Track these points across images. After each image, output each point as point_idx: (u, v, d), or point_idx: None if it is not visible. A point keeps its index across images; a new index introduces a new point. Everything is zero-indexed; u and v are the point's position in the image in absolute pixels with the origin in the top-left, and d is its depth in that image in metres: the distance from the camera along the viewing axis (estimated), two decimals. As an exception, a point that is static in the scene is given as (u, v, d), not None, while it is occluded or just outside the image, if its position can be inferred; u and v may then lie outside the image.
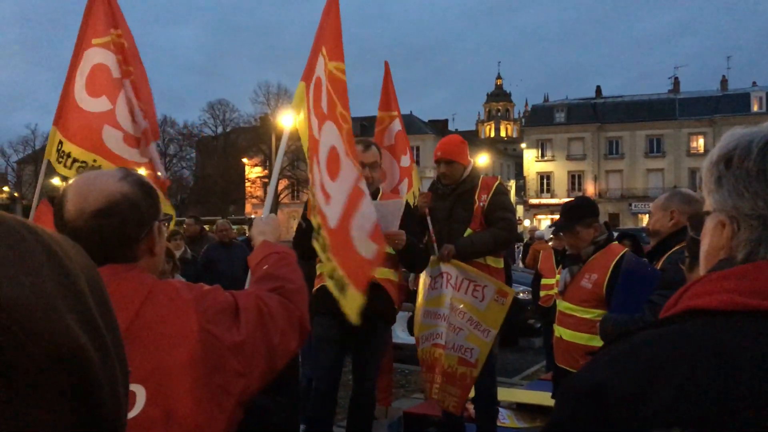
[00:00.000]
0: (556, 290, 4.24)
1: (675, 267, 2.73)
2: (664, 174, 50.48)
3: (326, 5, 3.25)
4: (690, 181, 46.58)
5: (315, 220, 2.76)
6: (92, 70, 4.24)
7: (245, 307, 1.39)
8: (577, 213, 3.72)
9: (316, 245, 2.76)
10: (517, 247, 13.94)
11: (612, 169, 52.12)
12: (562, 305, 3.76)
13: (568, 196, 40.30)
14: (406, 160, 5.10)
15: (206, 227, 10.00)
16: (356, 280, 2.86)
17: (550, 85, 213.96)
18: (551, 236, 7.90)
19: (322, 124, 3.01)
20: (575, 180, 52.73)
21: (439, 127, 60.84)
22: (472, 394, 4.26)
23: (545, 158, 53.90)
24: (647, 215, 3.69)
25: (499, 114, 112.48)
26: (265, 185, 49.05)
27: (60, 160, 4.17)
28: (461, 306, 4.06)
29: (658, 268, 3.10)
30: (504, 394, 5.30)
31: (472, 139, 72.39)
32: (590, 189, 49.62)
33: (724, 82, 53.73)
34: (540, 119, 55.03)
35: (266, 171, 48.43)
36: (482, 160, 43.46)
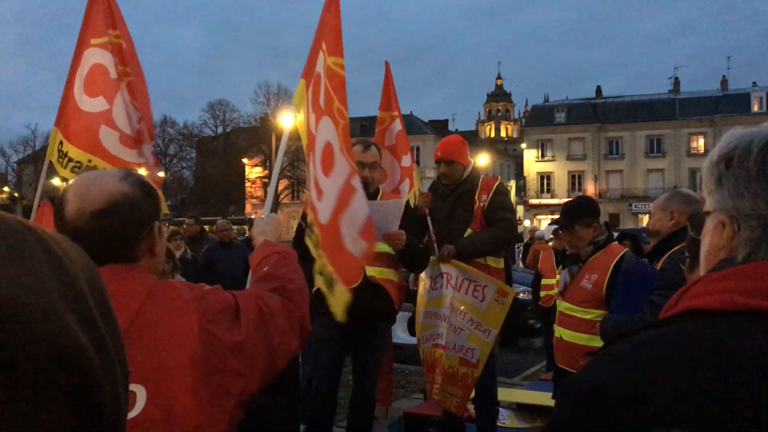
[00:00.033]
0: (556, 290, 4.24)
1: (675, 267, 2.73)
2: (665, 174, 50.49)
3: (326, 1, 3.25)
4: (690, 181, 46.58)
5: (309, 217, 2.77)
6: (90, 70, 4.25)
7: (246, 307, 1.39)
8: (576, 212, 3.73)
9: (308, 242, 2.77)
10: (517, 248, 13.93)
11: (612, 170, 52.12)
12: (562, 306, 3.76)
13: (568, 197, 40.26)
14: (406, 160, 5.10)
15: (206, 227, 10.00)
16: (345, 276, 2.87)
17: (551, 85, 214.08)
18: (551, 236, 7.90)
19: (319, 120, 3.02)
20: (575, 180, 52.73)
21: (440, 127, 60.83)
22: (472, 394, 4.27)
23: (545, 158, 53.91)
24: (647, 215, 3.69)
25: (500, 114, 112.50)
26: (265, 185, 49.07)
27: (60, 160, 4.18)
28: (462, 306, 4.06)
29: (658, 268, 3.10)
30: (504, 394, 5.30)
31: (473, 139, 72.42)
32: (590, 189, 49.61)
33: (724, 82, 53.74)
34: (540, 119, 55.03)
35: (266, 171, 48.44)
36: (482, 160, 43.45)
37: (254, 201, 50.98)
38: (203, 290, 1.38)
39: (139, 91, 4.38)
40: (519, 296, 8.30)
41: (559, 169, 53.16)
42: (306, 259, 3.65)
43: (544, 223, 43.39)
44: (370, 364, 3.90)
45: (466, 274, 4.07)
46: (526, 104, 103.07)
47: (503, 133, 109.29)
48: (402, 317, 6.95)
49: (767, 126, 0.89)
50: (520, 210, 47.99)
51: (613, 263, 3.53)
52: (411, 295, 4.77)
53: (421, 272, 4.18)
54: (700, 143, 49.47)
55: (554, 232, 7.39)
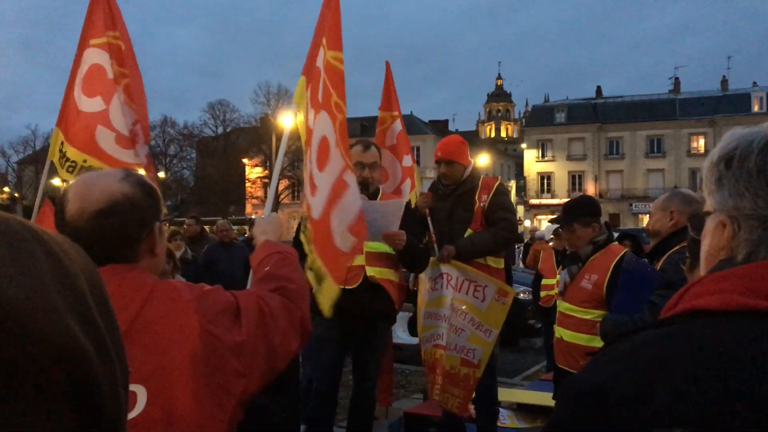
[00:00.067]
0: (556, 290, 4.24)
1: (675, 267, 2.73)
2: (665, 174, 50.49)
3: None
4: (690, 181, 46.57)
5: (303, 212, 2.78)
6: (89, 70, 4.26)
7: (246, 307, 1.39)
8: (576, 211, 3.73)
9: (302, 237, 2.77)
10: (518, 248, 13.93)
11: (612, 170, 52.12)
12: (562, 306, 3.76)
13: (569, 197, 40.23)
14: (407, 160, 5.10)
15: (206, 227, 10.00)
16: (333, 272, 2.88)
17: (551, 85, 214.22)
18: (552, 236, 7.90)
19: (317, 114, 3.02)
20: (576, 180, 52.72)
21: (440, 128, 60.84)
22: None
23: (546, 158, 53.90)
24: (648, 215, 3.69)
25: (500, 114, 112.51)
26: (265, 185, 49.11)
27: (60, 161, 4.19)
28: (462, 307, 4.06)
29: (658, 268, 3.10)
30: (504, 394, 5.30)
31: (473, 139, 72.40)
32: (591, 189, 49.60)
33: (724, 82, 53.71)
34: (540, 119, 55.03)
35: (266, 171, 48.46)
36: (482, 160, 43.47)
37: (254, 201, 51.00)
38: (204, 290, 1.38)
39: (136, 94, 4.38)
40: (519, 296, 8.30)
41: (559, 170, 53.15)
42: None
43: (545, 223, 43.38)
44: (370, 364, 3.90)
45: (466, 274, 4.06)
46: (527, 104, 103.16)
47: (503, 134, 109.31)
48: (402, 317, 6.95)
49: (767, 126, 0.89)
50: (520, 210, 47.99)
51: (613, 263, 3.53)
52: (411, 295, 4.78)
53: (421, 272, 4.17)
54: (700, 143, 49.47)
55: (554, 232, 7.40)
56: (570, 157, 52.82)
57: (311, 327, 1.59)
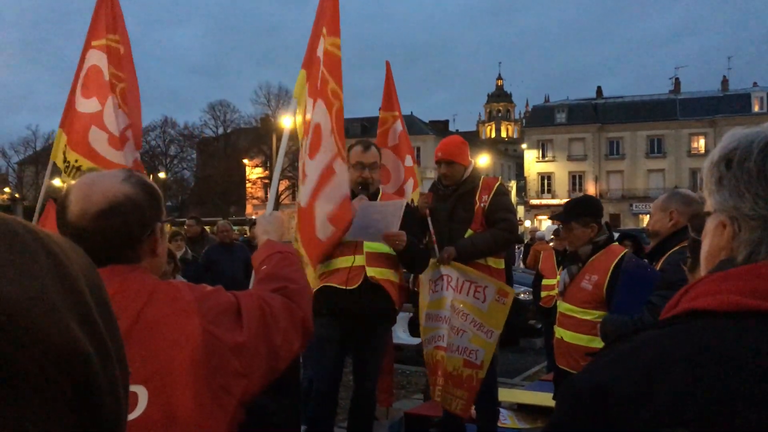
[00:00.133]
0: (557, 291, 4.24)
1: (674, 267, 2.73)
2: (665, 174, 50.48)
3: None
4: (691, 181, 46.55)
5: (298, 202, 2.81)
6: (88, 71, 4.28)
7: (247, 308, 1.39)
8: (576, 210, 3.73)
9: (292, 223, 2.79)
10: (518, 248, 13.93)
11: (613, 170, 52.11)
12: (563, 306, 3.75)
13: (569, 197, 40.15)
14: (409, 161, 5.11)
15: (207, 228, 10.01)
16: (312, 259, 2.90)
17: (551, 85, 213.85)
18: (552, 237, 7.90)
19: (315, 103, 3.04)
20: (576, 180, 52.72)
21: (440, 128, 60.89)
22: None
23: (546, 159, 53.90)
24: (648, 216, 3.68)
25: (500, 114, 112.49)
26: (265, 186, 49.13)
27: (64, 164, 4.21)
28: (463, 308, 4.06)
29: (658, 268, 3.09)
30: (505, 394, 5.30)
31: (473, 139, 72.41)
32: (591, 189, 49.57)
33: (724, 82, 53.72)
34: (541, 120, 55.03)
35: (267, 172, 48.48)
36: (483, 160, 43.49)
37: (255, 202, 51.02)
38: (205, 291, 1.38)
39: (131, 99, 4.40)
40: (520, 297, 8.30)
41: (559, 170, 53.14)
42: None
43: (545, 223, 43.42)
44: (370, 365, 3.90)
45: (466, 275, 4.06)
46: (527, 105, 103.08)
47: (504, 134, 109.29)
48: (402, 318, 6.95)
49: (767, 126, 0.89)
50: (520, 210, 48.00)
51: (614, 264, 3.53)
52: (411, 296, 4.78)
53: (421, 273, 4.17)
54: (700, 143, 49.47)
55: (555, 233, 7.40)
56: (570, 158, 52.82)
57: (313, 327, 1.59)
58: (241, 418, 1.32)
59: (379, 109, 5.25)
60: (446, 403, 4.09)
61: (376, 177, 3.90)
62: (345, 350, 3.88)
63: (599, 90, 58.09)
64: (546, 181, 53.86)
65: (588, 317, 3.55)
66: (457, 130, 75.30)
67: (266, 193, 47.43)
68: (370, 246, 3.66)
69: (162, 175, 48.56)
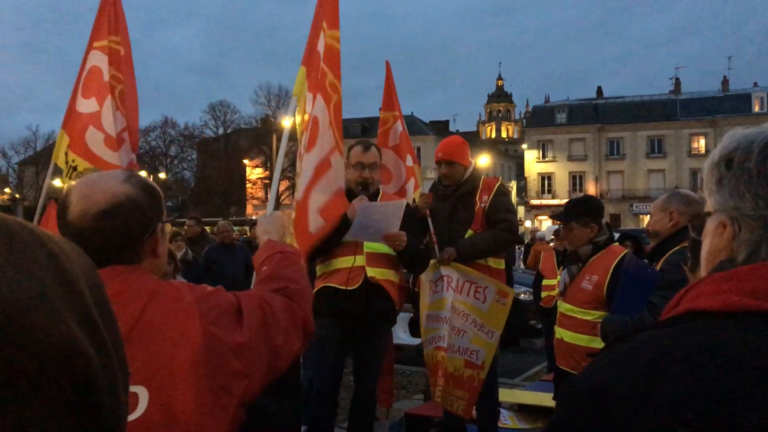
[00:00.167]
0: (557, 291, 4.23)
1: (674, 268, 2.73)
2: (665, 175, 50.46)
3: None
4: (691, 181, 46.53)
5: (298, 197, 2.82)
6: (89, 71, 4.29)
7: (248, 308, 1.38)
8: (576, 209, 3.73)
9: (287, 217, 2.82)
10: (518, 249, 13.93)
11: (613, 170, 52.09)
12: (563, 307, 3.75)
13: (569, 197, 40.18)
14: (410, 161, 5.11)
15: (207, 228, 10.01)
16: (302, 252, 2.92)
17: (551, 85, 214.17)
18: (552, 237, 7.90)
19: (314, 98, 3.05)
20: (576, 181, 52.71)
21: (440, 128, 60.91)
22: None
23: (546, 159, 53.88)
24: (648, 216, 3.68)
25: (500, 115, 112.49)
26: (266, 186, 49.15)
27: (65, 165, 4.22)
28: (464, 308, 4.05)
29: (658, 269, 3.09)
30: (505, 395, 5.30)
31: (473, 139, 72.44)
32: (591, 190, 49.56)
33: (725, 82, 53.70)
34: (541, 120, 55.01)
35: (267, 172, 48.49)
36: (483, 160, 43.45)
37: (255, 202, 51.02)
38: (205, 291, 1.38)
39: (129, 101, 4.41)
40: (520, 297, 8.31)
41: (560, 170, 53.13)
42: (310, 259, 3.66)
43: (545, 223, 43.44)
44: (370, 365, 3.90)
45: (466, 276, 4.06)
46: (527, 105, 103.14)
47: (504, 134, 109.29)
48: (402, 318, 6.95)
49: (768, 126, 0.89)
50: (521, 211, 48.00)
51: (614, 264, 3.53)
52: (411, 296, 4.78)
53: (421, 273, 4.17)
54: (701, 144, 49.44)
55: (555, 233, 7.40)
56: (571, 158, 52.80)
57: (313, 327, 1.59)
58: (242, 419, 1.32)
59: (380, 110, 5.25)
60: (447, 403, 4.08)
61: (377, 177, 3.90)
62: (345, 350, 3.88)
63: (599, 90, 58.08)
64: (546, 182, 53.84)
65: (588, 317, 3.55)
66: (457, 131, 75.36)
67: (266, 194, 47.44)
68: (370, 246, 3.67)
69: (162, 175, 48.56)
